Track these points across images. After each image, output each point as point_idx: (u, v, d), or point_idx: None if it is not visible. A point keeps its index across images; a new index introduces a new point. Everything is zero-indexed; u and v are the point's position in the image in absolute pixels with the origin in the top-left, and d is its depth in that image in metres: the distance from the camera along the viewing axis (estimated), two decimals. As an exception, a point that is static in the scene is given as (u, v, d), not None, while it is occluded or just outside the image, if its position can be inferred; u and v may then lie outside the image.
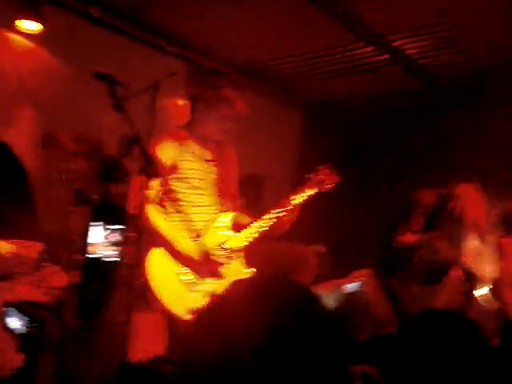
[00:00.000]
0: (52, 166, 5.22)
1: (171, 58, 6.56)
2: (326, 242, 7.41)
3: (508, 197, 5.93)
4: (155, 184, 2.40)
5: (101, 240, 1.21)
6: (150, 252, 3.08)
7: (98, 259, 1.18)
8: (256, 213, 3.61)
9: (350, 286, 4.49)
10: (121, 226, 1.10)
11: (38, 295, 4.47)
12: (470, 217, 5.50)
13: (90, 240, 1.48)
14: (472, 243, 5.84)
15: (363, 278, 4.68)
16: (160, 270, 3.08)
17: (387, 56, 6.39)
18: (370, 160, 7.79)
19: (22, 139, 5.45)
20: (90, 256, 1.14)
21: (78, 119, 5.56)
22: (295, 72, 7.27)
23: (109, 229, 1.24)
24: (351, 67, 6.87)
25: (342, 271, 7.02)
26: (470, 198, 4.95)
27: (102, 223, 1.27)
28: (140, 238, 2.13)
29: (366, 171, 7.69)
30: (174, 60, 6.56)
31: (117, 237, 1.23)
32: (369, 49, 6.28)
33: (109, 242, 1.25)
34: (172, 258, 3.13)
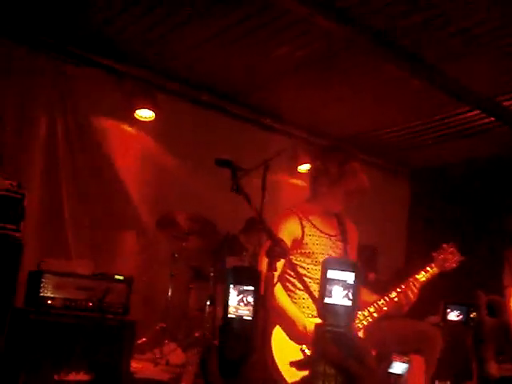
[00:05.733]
0: (169, 245, 5.44)
1: (278, 135, 6.76)
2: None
3: None
4: (280, 264, 2.41)
5: (235, 301, 1.28)
6: (275, 329, 3.12)
7: (233, 319, 1.25)
8: (373, 286, 3.55)
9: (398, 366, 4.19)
10: (252, 288, 1.16)
11: (157, 372, 4.59)
12: None
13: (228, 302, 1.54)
14: None
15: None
16: (284, 348, 3.09)
17: (495, 117, 6.26)
18: (478, 227, 7.53)
19: (142, 220, 5.75)
20: (228, 316, 1.21)
21: (193, 201, 5.79)
22: (399, 141, 7.29)
23: (242, 290, 1.31)
24: (457, 132, 6.78)
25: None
26: None
27: (236, 286, 1.33)
28: (267, 317, 2.15)
29: (475, 238, 7.42)
30: (281, 138, 6.75)
31: (249, 297, 1.29)
32: (475, 112, 6.20)
33: (243, 302, 1.31)
34: (295, 337, 3.13)
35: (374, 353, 3.22)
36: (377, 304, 3.27)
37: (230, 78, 5.98)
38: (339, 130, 6.94)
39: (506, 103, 5.93)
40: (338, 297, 1.16)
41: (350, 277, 1.18)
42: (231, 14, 4.69)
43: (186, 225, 5.27)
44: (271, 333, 3.09)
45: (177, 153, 6.05)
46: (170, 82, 5.99)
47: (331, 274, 1.18)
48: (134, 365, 4.45)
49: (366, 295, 3.40)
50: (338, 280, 1.17)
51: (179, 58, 5.61)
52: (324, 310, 1.17)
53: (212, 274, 5.02)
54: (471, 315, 1.76)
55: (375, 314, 3.25)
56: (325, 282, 1.18)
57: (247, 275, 1.33)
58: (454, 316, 1.74)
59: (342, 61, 5.31)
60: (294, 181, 6.71)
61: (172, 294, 5.16)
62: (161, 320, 5.10)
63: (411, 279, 3.30)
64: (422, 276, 3.34)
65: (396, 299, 3.26)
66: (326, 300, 1.17)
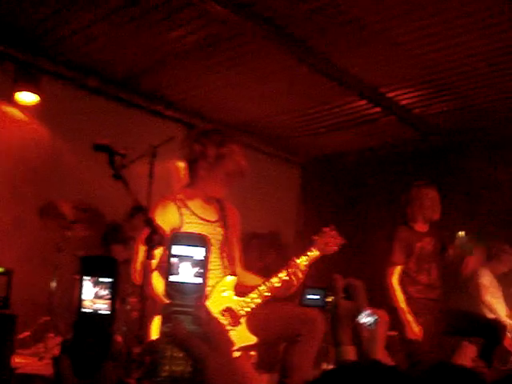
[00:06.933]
0: (53, 234, 5.22)
1: (168, 122, 6.65)
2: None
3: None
4: (158, 252, 2.32)
5: (91, 294, 1.20)
6: (154, 319, 3.04)
7: (89, 314, 1.17)
8: (260, 272, 3.55)
9: (366, 320, 4.28)
10: (110, 279, 1.09)
11: (41, 367, 4.40)
12: None
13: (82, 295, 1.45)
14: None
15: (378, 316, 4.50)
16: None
17: (381, 108, 6.44)
18: (368, 211, 7.77)
19: (22, 209, 5.48)
20: (81, 311, 1.13)
21: (78, 188, 5.59)
22: (291, 129, 7.36)
23: (98, 282, 1.23)
24: (346, 121, 6.93)
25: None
26: None
27: (91, 277, 1.25)
28: (144, 306, 2.07)
29: (364, 222, 7.67)
30: (172, 124, 6.64)
31: (107, 290, 1.21)
32: (362, 102, 6.34)
33: (99, 295, 1.23)
34: None
35: (258, 339, 3.22)
36: (259, 290, 3.27)
37: (118, 62, 5.78)
38: (231, 116, 6.91)
39: (390, 94, 6.11)
40: (187, 274, 1.11)
41: (198, 252, 1.13)
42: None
43: (71, 214, 5.08)
44: (151, 322, 3.01)
45: (61, 139, 5.81)
46: (55, 66, 5.72)
47: (177, 249, 1.13)
48: (17, 360, 4.25)
49: (250, 279, 3.41)
50: (186, 256, 1.12)
51: (65, 41, 5.35)
52: (171, 288, 1.11)
53: (98, 264, 4.86)
54: (327, 299, 1.74)
55: (258, 300, 3.25)
56: (170, 259, 1.13)
57: (102, 265, 1.21)
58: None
59: (234, 46, 5.28)
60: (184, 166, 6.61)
61: (56, 285, 4.95)
62: (45, 313, 4.89)
63: (292, 263, 3.33)
64: (302, 260, 3.37)
65: (277, 285, 3.27)
66: (173, 278, 1.12)
